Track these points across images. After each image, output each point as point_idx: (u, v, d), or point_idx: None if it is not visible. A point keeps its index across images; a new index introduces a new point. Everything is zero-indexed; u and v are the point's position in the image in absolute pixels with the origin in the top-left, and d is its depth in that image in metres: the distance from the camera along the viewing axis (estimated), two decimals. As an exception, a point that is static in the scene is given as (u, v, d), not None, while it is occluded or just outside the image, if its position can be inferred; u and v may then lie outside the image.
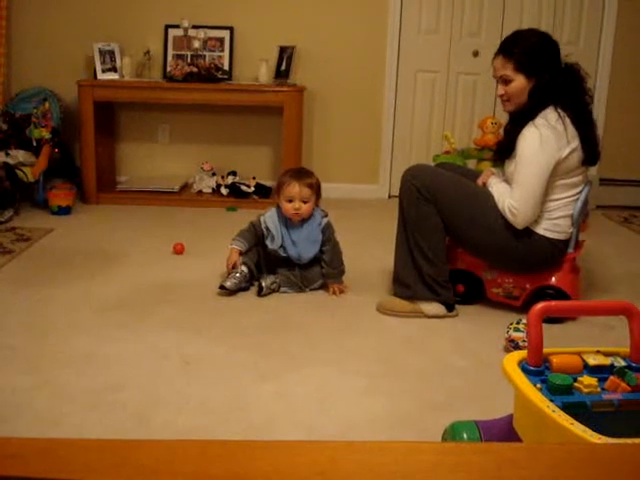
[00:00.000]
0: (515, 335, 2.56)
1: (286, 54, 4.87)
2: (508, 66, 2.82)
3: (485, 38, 5.02)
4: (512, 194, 2.75)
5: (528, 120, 2.74)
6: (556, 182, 2.78)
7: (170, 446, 0.73)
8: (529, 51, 2.78)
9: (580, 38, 5.11)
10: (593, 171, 4.70)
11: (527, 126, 2.73)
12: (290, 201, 3.13)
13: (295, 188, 3.12)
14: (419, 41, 5.09)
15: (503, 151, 2.89)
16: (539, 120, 2.72)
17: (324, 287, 3.21)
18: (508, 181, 2.85)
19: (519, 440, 1.58)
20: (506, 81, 2.83)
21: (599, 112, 5.11)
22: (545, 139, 2.68)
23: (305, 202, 3.13)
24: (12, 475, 0.66)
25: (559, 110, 2.73)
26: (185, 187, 5.06)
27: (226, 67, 4.93)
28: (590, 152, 2.78)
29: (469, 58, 5.10)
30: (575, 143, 2.73)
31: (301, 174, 3.21)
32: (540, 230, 2.81)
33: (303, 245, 3.16)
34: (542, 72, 2.76)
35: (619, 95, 5.16)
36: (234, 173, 4.98)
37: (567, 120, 2.72)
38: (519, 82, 2.80)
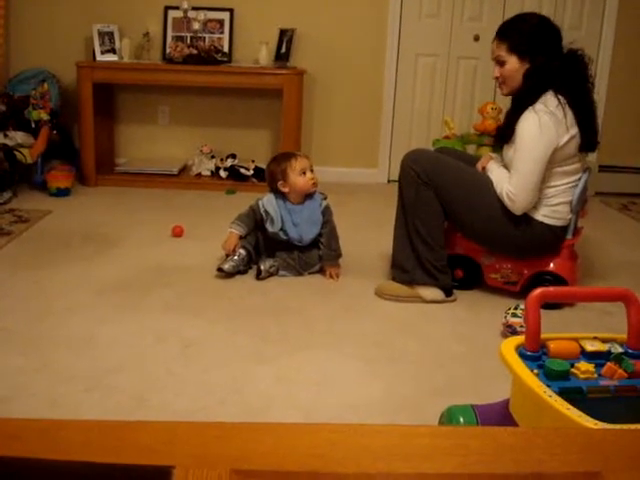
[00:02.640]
0: (513, 320, 2.57)
1: (286, 37, 4.85)
2: (502, 47, 2.82)
3: (486, 22, 4.99)
4: (510, 180, 2.75)
5: (528, 105, 2.74)
6: (554, 169, 2.77)
7: (169, 428, 0.73)
8: (523, 33, 2.78)
9: (582, 24, 5.09)
10: (592, 158, 4.69)
11: (526, 111, 2.72)
12: (304, 174, 3.16)
13: (305, 160, 3.21)
14: (420, 25, 5.07)
15: (502, 135, 2.89)
16: (538, 105, 2.71)
17: (322, 271, 3.22)
18: (507, 166, 2.85)
19: (515, 424, 1.59)
20: (501, 63, 2.83)
21: (599, 98, 5.08)
22: (544, 125, 2.67)
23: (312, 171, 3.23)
24: (11, 456, 0.67)
25: (559, 96, 2.72)
26: (184, 170, 5.05)
27: (226, 49, 4.91)
28: (588, 139, 2.77)
29: (470, 42, 5.07)
30: (574, 130, 2.72)
31: (291, 152, 3.35)
32: (539, 216, 2.81)
33: (305, 226, 3.18)
34: (536, 54, 2.75)
35: (620, 81, 5.14)
36: (233, 156, 4.97)
37: (567, 106, 2.71)
38: (512, 63, 2.80)
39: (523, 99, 2.78)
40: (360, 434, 0.75)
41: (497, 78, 2.89)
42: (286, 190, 3.18)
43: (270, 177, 3.24)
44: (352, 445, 0.72)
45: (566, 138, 2.71)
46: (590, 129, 2.78)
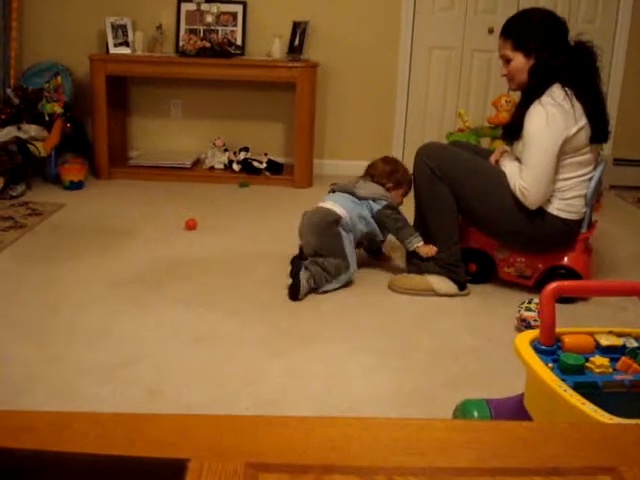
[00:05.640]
0: (527, 314, 2.56)
1: (300, 29, 4.83)
2: (507, 45, 2.82)
3: (501, 15, 4.92)
4: (522, 175, 2.74)
5: (534, 99, 2.72)
6: (565, 160, 2.75)
7: (184, 421, 0.74)
8: (527, 29, 2.77)
9: (597, 16, 5.04)
10: (607, 151, 4.66)
11: (533, 105, 2.71)
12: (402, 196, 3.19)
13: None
14: (434, 17, 5.04)
15: (511, 131, 2.87)
16: (545, 98, 2.70)
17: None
18: (519, 160, 2.83)
19: (529, 419, 1.59)
20: (507, 60, 2.83)
21: (614, 91, 5.06)
22: (552, 117, 2.66)
23: None
24: (27, 448, 0.67)
25: (566, 88, 2.70)
26: (197, 163, 5.06)
27: (239, 42, 4.90)
28: (598, 130, 2.75)
29: (484, 35, 5.04)
30: (583, 121, 2.70)
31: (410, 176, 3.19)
32: (553, 210, 2.80)
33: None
34: (541, 50, 2.74)
35: (635, 74, 5.10)
36: (246, 149, 4.96)
37: (574, 98, 2.69)
38: (518, 60, 2.79)
39: (530, 94, 2.77)
40: (375, 427, 0.75)
41: (505, 75, 2.89)
42: (384, 191, 3.09)
43: (386, 174, 3.15)
44: (367, 438, 0.72)
45: (575, 129, 2.69)
46: (600, 120, 2.76)
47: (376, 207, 3.02)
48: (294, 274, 2.83)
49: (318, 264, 2.88)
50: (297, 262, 2.90)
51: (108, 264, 3.13)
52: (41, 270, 3.01)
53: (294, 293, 2.80)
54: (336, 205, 3.01)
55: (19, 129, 4.40)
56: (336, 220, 2.95)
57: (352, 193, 3.05)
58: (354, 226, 3.00)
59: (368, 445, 0.71)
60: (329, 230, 2.95)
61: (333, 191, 3.14)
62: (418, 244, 2.94)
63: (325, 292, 2.89)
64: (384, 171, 3.15)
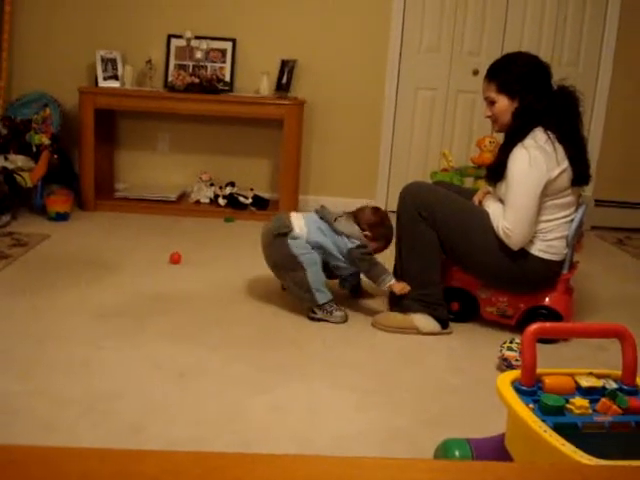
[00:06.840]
0: (508, 354, 2.58)
1: (288, 67, 4.90)
2: (492, 87, 2.87)
3: (485, 57, 5.04)
4: (505, 216, 2.77)
5: (517, 142, 2.77)
6: (547, 202, 2.79)
7: (171, 457, 0.74)
8: (512, 73, 2.83)
9: (580, 60, 5.15)
10: (588, 192, 4.73)
11: (516, 147, 2.76)
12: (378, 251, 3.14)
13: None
14: (420, 58, 5.13)
15: (494, 173, 2.91)
16: (528, 141, 2.75)
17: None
18: (501, 201, 2.87)
19: (510, 459, 1.59)
20: (492, 102, 2.88)
21: (596, 133, 5.16)
22: (534, 160, 2.71)
23: None
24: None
25: (548, 132, 2.75)
26: (183, 197, 5.08)
27: (227, 79, 4.96)
28: (579, 173, 2.80)
29: (469, 76, 5.13)
30: (565, 164, 2.75)
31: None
32: (535, 251, 2.83)
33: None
34: (525, 93, 2.80)
35: (616, 117, 5.20)
36: (232, 184, 5.00)
37: (556, 141, 2.74)
38: (502, 103, 2.85)
39: (513, 136, 2.82)
40: (359, 467, 0.75)
41: (489, 117, 2.94)
42: (361, 234, 3.04)
43: (370, 223, 3.10)
44: (351, 477, 0.73)
45: (557, 172, 2.74)
46: (581, 163, 2.81)
47: (349, 245, 3.01)
48: None
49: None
50: None
51: (92, 296, 3.12)
52: (25, 301, 3.00)
53: None
54: (298, 219, 3.05)
55: (6, 159, 4.41)
56: (283, 233, 2.99)
57: (330, 223, 3.05)
58: (311, 246, 3.01)
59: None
60: (275, 241, 3.02)
61: (315, 212, 3.15)
62: (391, 282, 2.96)
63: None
64: (370, 220, 3.11)
